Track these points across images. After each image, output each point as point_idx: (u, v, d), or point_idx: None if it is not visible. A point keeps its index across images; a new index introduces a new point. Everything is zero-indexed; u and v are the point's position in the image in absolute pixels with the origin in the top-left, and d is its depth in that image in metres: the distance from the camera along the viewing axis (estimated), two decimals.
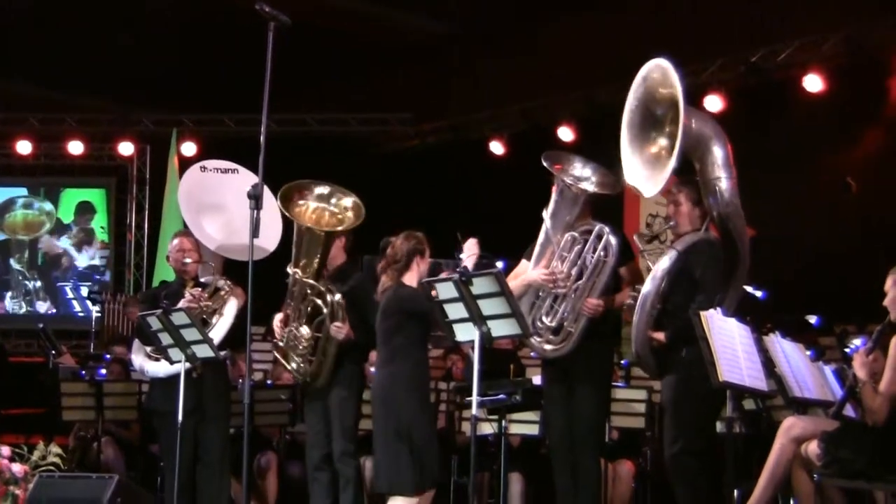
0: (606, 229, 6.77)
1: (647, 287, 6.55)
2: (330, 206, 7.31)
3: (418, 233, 7.14)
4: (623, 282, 6.97)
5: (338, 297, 7.16)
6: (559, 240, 6.85)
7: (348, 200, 7.33)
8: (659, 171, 6.41)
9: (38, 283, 18.40)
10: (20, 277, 18.40)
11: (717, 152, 6.44)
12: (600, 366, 7.02)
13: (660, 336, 6.55)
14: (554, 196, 6.90)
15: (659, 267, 6.56)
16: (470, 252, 6.86)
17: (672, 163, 6.21)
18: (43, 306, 18.36)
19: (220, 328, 7.58)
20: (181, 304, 7.54)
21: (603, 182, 6.90)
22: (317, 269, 7.24)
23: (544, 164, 6.84)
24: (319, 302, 7.21)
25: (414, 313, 6.83)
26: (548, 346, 6.89)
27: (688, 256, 6.56)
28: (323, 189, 7.33)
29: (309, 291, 7.23)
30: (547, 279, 6.80)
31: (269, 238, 7.63)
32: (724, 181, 6.41)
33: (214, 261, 8.25)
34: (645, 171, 6.51)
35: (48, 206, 18.50)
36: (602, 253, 6.74)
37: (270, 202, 7.67)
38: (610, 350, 7.24)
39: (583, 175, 6.92)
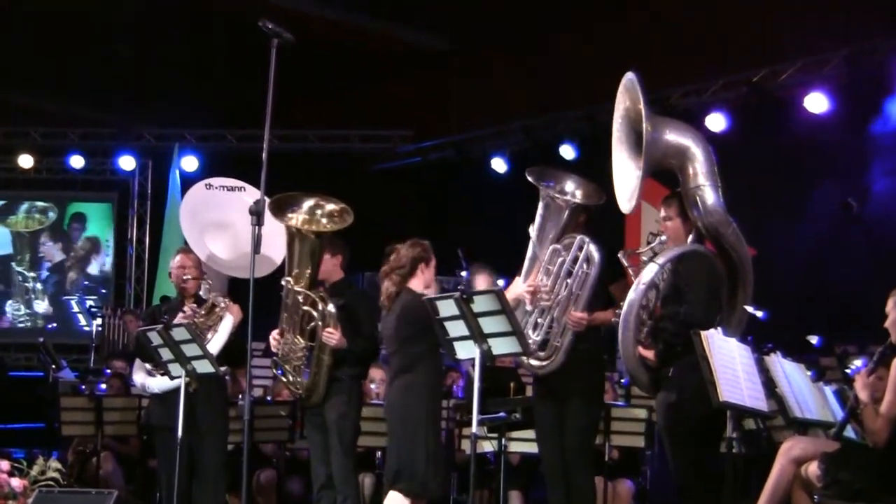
0: (587, 240, 6.70)
1: (630, 297, 6.41)
2: (318, 217, 7.30)
3: (424, 241, 7.14)
4: (616, 300, 6.91)
5: (330, 306, 7.17)
6: (544, 253, 6.84)
7: (335, 206, 7.30)
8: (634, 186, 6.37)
9: (38, 286, 18.43)
10: (20, 279, 18.44)
11: (698, 161, 6.33)
12: (590, 383, 6.93)
13: (649, 354, 6.47)
14: (539, 210, 6.89)
15: (641, 279, 6.42)
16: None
17: (639, 177, 6.18)
18: (41, 306, 18.37)
19: (213, 345, 7.56)
20: (176, 320, 7.55)
21: (586, 193, 6.86)
22: (310, 277, 7.23)
23: (529, 178, 6.83)
24: (312, 311, 7.22)
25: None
26: (534, 362, 6.84)
27: (674, 269, 6.45)
28: (310, 202, 7.31)
29: (301, 301, 7.23)
30: (530, 292, 6.78)
31: (276, 250, 7.63)
32: (704, 189, 6.29)
33: (218, 279, 8.23)
34: (629, 187, 6.47)
35: (50, 212, 18.55)
36: (584, 265, 6.69)
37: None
38: (599, 367, 7.11)
39: (566, 187, 6.90)
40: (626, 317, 6.41)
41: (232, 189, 8.20)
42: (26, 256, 18.51)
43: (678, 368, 6.28)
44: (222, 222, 8.02)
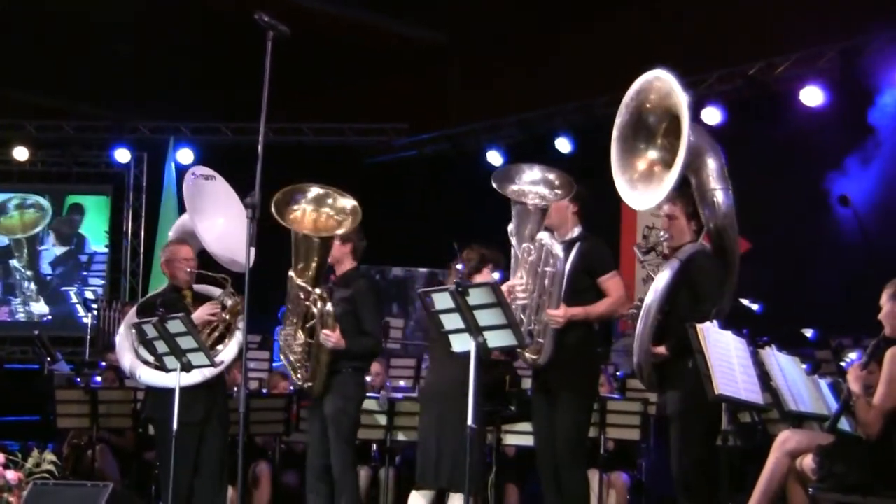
0: (545, 239, 6.75)
1: (650, 298, 6.45)
2: (326, 209, 7.25)
3: (481, 247, 7.38)
4: (606, 295, 6.89)
5: (329, 307, 7.15)
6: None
7: (346, 202, 7.20)
8: (656, 185, 6.39)
9: (34, 286, 18.44)
10: (18, 276, 18.44)
11: (713, 164, 6.43)
12: (580, 376, 6.90)
13: (661, 350, 6.49)
14: (513, 212, 6.92)
15: (661, 279, 6.47)
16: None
17: (672, 178, 6.20)
18: (37, 307, 18.37)
19: (232, 347, 7.55)
20: (200, 314, 7.52)
21: (560, 184, 6.84)
22: (314, 274, 7.18)
23: (494, 185, 6.84)
24: (312, 308, 7.20)
25: None
26: (529, 356, 6.86)
27: (688, 268, 6.50)
28: (318, 191, 7.24)
29: (302, 296, 7.21)
30: (507, 291, 6.76)
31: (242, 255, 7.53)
32: (720, 193, 6.40)
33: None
34: (639, 185, 6.49)
35: (43, 201, 18.54)
36: (549, 262, 6.72)
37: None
38: (590, 360, 7.08)
39: (534, 180, 6.88)
40: (647, 314, 6.46)
41: (207, 178, 8.16)
42: (24, 253, 18.50)
43: (696, 361, 6.30)
44: (204, 209, 8.00)
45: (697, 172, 6.44)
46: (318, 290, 7.14)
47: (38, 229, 18.53)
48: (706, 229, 6.53)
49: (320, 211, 7.19)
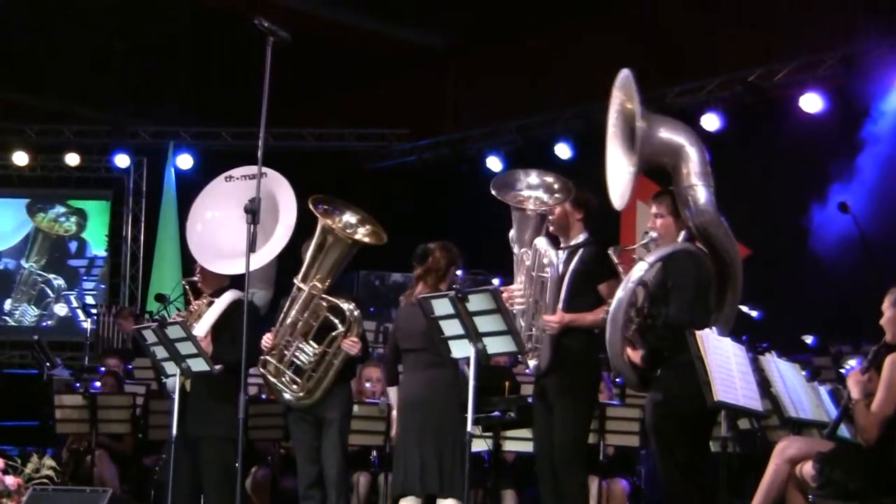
0: (541, 244, 6.75)
1: (618, 295, 6.33)
2: (348, 230, 7.27)
3: (453, 246, 7.32)
4: (605, 299, 6.86)
5: (357, 312, 7.16)
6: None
7: (367, 229, 7.31)
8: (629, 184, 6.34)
9: (62, 282, 18.44)
10: (37, 278, 18.41)
11: (692, 160, 6.24)
12: (579, 381, 6.88)
13: (636, 357, 6.40)
14: (513, 218, 6.95)
15: (630, 277, 6.34)
16: None
17: (631, 174, 6.17)
18: (63, 310, 18.36)
19: (202, 325, 7.39)
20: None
21: (559, 188, 6.86)
22: (330, 284, 7.23)
23: (493, 192, 6.84)
24: (332, 317, 7.20)
25: None
26: (530, 363, 6.88)
27: (664, 268, 6.38)
28: (351, 217, 7.30)
29: (325, 305, 7.21)
30: (506, 296, 6.74)
31: (290, 214, 7.43)
32: (697, 189, 6.20)
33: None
34: (623, 183, 6.44)
35: (78, 219, 18.59)
36: (543, 269, 6.73)
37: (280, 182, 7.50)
38: (590, 365, 7.01)
39: (533, 185, 6.90)
40: (615, 315, 6.35)
41: (255, 177, 8.06)
42: (44, 258, 18.49)
43: (665, 369, 6.27)
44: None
45: (676, 169, 6.28)
46: (341, 298, 7.20)
47: (62, 234, 18.57)
48: (686, 227, 6.39)
49: (345, 230, 7.23)
